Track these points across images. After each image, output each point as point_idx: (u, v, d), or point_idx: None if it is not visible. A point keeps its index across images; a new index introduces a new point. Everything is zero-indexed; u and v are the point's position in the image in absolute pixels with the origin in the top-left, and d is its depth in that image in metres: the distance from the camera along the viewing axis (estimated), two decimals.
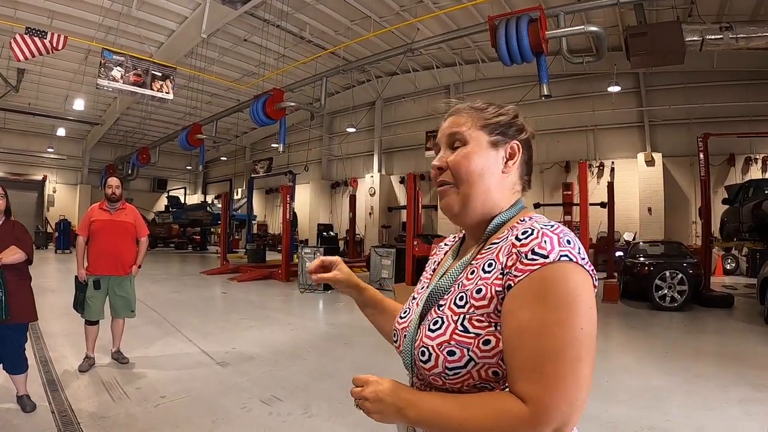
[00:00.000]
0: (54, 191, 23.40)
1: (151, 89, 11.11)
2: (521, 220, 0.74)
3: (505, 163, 0.80)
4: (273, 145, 18.73)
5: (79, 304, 3.88)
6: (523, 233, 0.68)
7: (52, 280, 9.34)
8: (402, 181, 19.23)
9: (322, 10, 12.62)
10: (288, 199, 11.29)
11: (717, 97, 13.02)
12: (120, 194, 4.02)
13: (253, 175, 22.48)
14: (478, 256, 0.76)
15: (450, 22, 12.40)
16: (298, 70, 15.40)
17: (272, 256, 15.55)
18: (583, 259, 0.66)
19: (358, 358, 4.58)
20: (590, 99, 14.80)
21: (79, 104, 17.12)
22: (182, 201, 24.49)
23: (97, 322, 3.91)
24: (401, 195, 19.34)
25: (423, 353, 0.73)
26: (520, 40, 7.50)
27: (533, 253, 0.65)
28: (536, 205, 14.32)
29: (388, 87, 16.58)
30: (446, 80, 17.10)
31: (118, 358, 4.04)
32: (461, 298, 0.72)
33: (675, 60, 8.12)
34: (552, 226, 0.68)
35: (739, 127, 11.64)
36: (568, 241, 0.66)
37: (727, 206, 9.87)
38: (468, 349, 0.68)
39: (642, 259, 8.22)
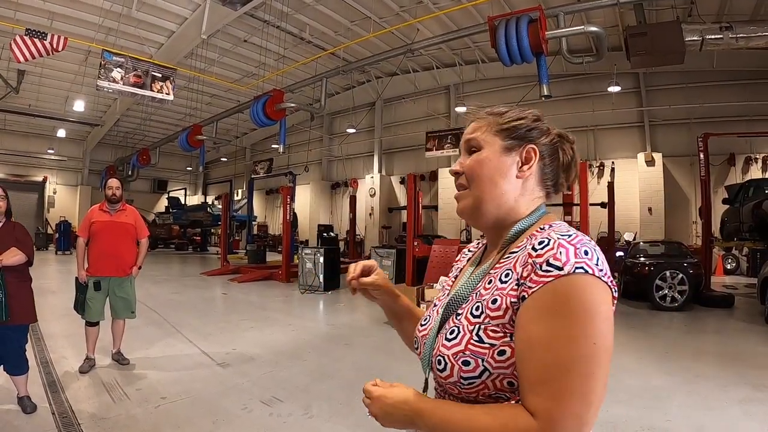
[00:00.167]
0: (54, 192, 23.39)
1: (151, 90, 11.09)
2: (541, 228, 0.73)
3: (520, 167, 0.79)
4: (273, 146, 18.71)
5: (80, 306, 3.89)
6: (539, 243, 0.67)
7: (53, 281, 9.34)
8: (402, 182, 19.25)
9: (322, 11, 12.63)
10: (288, 199, 11.31)
11: (717, 97, 13.02)
12: (120, 195, 4.03)
13: (253, 176, 22.45)
14: (497, 266, 0.76)
15: (450, 23, 12.41)
16: (298, 70, 15.41)
17: (272, 257, 15.53)
18: (601, 270, 0.64)
19: (358, 359, 4.56)
20: (590, 99, 14.81)
21: (79, 105, 17.09)
22: (182, 202, 24.44)
23: (97, 323, 3.92)
24: (401, 195, 19.36)
25: (439, 362, 0.73)
26: (520, 40, 7.51)
27: (548, 264, 0.64)
28: None
29: (388, 87, 16.57)
30: (446, 81, 17.09)
31: (119, 359, 4.05)
32: (477, 308, 0.72)
33: (675, 60, 8.13)
34: (570, 236, 0.67)
35: (739, 127, 11.66)
36: (586, 252, 0.65)
37: (728, 206, 9.87)
38: (483, 360, 0.68)
39: (642, 259, 8.23)
